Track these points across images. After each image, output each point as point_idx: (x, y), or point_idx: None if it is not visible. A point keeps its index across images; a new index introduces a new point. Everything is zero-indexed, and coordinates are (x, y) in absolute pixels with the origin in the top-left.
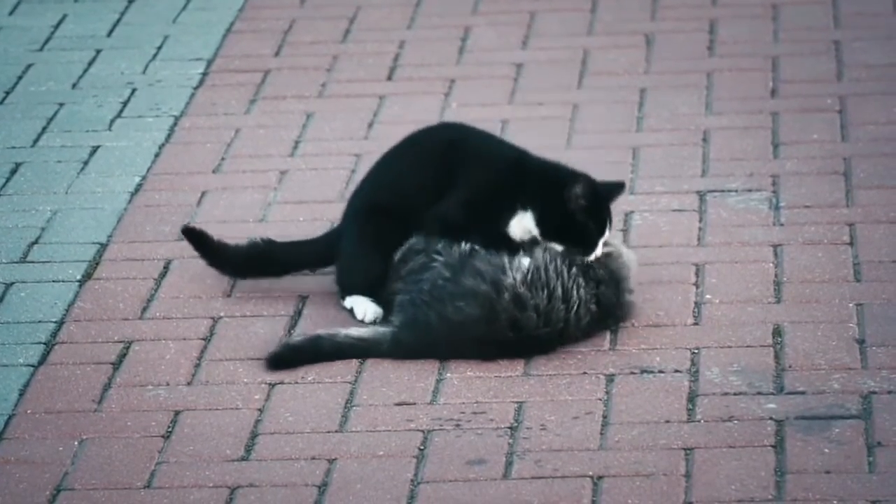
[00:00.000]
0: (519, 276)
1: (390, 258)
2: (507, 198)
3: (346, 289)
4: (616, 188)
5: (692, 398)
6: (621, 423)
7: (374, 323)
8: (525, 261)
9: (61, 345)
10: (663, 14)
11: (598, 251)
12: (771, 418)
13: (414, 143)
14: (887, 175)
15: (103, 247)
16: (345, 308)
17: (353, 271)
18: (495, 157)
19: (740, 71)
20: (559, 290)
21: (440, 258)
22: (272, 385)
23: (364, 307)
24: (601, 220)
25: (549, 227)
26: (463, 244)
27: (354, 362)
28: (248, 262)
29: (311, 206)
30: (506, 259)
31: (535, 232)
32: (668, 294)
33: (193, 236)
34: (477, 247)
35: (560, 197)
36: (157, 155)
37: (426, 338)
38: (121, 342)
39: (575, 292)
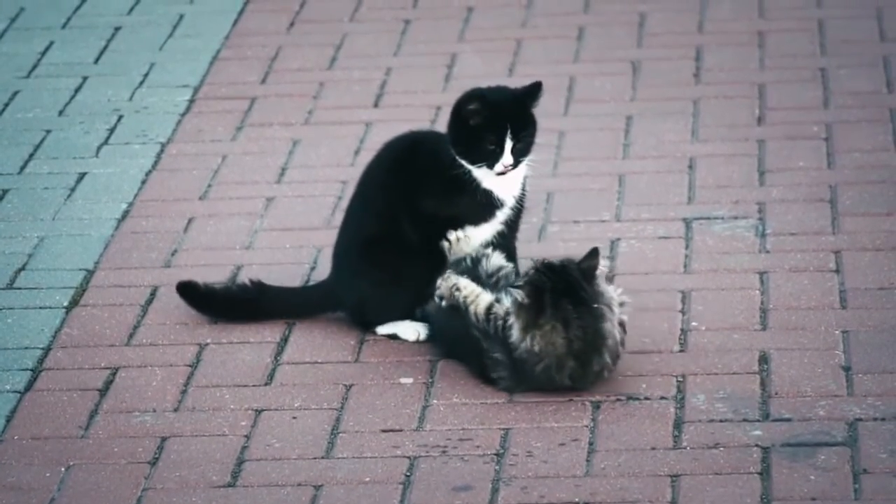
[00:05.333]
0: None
1: (411, 277)
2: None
3: (379, 321)
4: (514, 93)
5: (678, 425)
6: (607, 450)
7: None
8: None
9: (48, 371)
10: (649, 41)
11: (507, 159)
12: (757, 445)
13: (381, 165)
14: (873, 202)
15: (90, 273)
16: (382, 335)
17: (386, 302)
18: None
19: (726, 98)
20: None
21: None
22: (258, 411)
23: (415, 328)
24: (500, 126)
25: (459, 147)
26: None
27: (341, 387)
28: (238, 306)
29: (298, 233)
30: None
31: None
32: (655, 321)
33: (187, 292)
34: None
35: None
36: (143, 182)
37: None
38: (107, 368)
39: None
